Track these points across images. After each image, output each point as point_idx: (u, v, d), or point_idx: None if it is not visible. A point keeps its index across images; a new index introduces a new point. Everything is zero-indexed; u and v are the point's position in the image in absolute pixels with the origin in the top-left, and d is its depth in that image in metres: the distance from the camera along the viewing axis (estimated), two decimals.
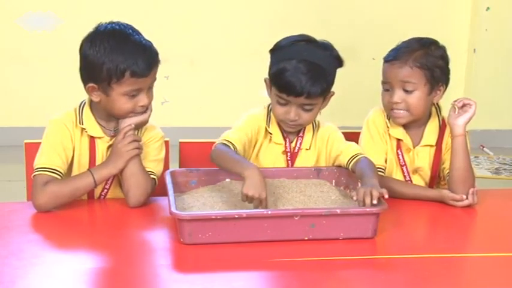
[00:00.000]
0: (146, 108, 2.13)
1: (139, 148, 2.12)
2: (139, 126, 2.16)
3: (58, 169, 2.09)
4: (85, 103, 2.17)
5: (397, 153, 2.32)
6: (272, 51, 2.21)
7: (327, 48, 2.19)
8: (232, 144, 2.12)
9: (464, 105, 2.23)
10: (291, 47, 2.17)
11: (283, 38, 2.22)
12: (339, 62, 2.19)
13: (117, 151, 2.09)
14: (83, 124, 2.15)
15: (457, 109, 2.23)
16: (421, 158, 2.32)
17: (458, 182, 2.21)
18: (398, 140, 2.31)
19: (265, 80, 2.23)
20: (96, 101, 2.11)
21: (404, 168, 2.31)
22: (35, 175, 2.08)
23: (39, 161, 2.10)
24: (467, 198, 2.15)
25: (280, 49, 2.19)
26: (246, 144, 2.19)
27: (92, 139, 2.16)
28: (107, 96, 2.08)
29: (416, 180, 2.33)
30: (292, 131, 2.24)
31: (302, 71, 2.11)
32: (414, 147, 2.32)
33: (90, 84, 2.08)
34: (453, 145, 2.24)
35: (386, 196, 1.89)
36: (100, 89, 2.08)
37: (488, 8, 4.98)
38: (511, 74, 5.10)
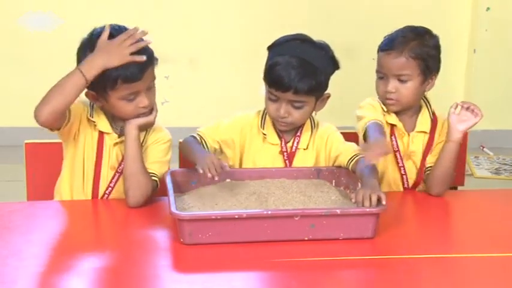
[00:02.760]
0: (152, 110, 2.13)
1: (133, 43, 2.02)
2: (145, 128, 2.16)
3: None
4: None
5: (391, 139, 2.32)
6: (269, 49, 2.23)
7: (322, 48, 2.20)
8: (204, 140, 2.20)
9: (470, 110, 2.22)
10: (286, 44, 2.20)
11: (281, 37, 2.23)
12: (333, 64, 2.20)
13: (113, 48, 2.02)
14: (93, 117, 2.15)
15: (459, 109, 2.23)
16: (416, 143, 2.33)
17: (437, 180, 2.25)
18: (392, 126, 2.33)
19: (263, 79, 2.24)
20: (100, 106, 2.13)
21: (397, 153, 2.32)
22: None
23: None
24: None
25: (275, 46, 2.21)
26: (222, 144, 2.24)
27: (101, 134, 2.16)
28: (107, 102, 2.09)
29: (409, 165, 2.33)
30: (284, 130, 2.25)
31: (292, 65, 2.12)
32: (409, 133, 2.33)
33: (90, 92, 2.10)
34: (444, 148, 2.25)
35: (383, 202, 1.89)
36: (99, 96, 2.09)
37: (488, 8, 4.98)
38: (511, 74, 5.09)
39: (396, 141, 2.33)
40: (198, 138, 2.22)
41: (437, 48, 2.31)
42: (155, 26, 4.31)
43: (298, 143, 2.26)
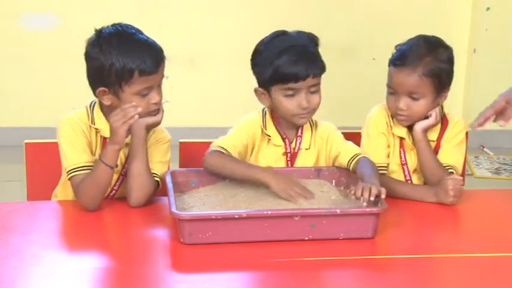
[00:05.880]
0: (158, 109, 2.13)
1: (128, 117, 2.04)
2: (152, 127, 2.16)
3: (87, 164, 2.08)
4: (95, 103, 2.16)
5: (400, 151, 2.31)
6: (256, 55, 2.24)
7: (300, 32, 2.23)
8: (227, 151, 2.12)
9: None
10: (272, 42, 2.20)
11: (260, 41, 2.24)
12: (315, 42, 2.22)
13: (111, 127, 2.06)
14: (95, 125, 2.14)
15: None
16: None
17: (432, 183, 2.23)
18: (401, 139, 2.31)
19: (255, 91, 2.23)
20: (108, 104, 2.10)
21: (405, 167, 2.31)
22: (69, 178, 2.09)
23: (68, 163, 2.09)
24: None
25: (264, 48, 2.21)
26: (242, 151, 2.19)
27: (105, 140, 2.15)
28: (118, 99, 2.07)
29: (416, 179, 2.32)
30: (304, 123, 2.22)
31: (297, 53, 2.13)
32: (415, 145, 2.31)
33: (101, 89, 2.07)
34: (416, 150, 2.26)
35: (383, 196, 1.90)
36: (111, 92, 2.07)
37: (488, 8, 4.97)
38: (511, 74, 5.09)
39: (404, 154, 2.30)
40: (226, 154, 2.14)
41: (450, 61, 2.25)
42: (155, 26, 4.31)
43: (300, 143, 2.25)
